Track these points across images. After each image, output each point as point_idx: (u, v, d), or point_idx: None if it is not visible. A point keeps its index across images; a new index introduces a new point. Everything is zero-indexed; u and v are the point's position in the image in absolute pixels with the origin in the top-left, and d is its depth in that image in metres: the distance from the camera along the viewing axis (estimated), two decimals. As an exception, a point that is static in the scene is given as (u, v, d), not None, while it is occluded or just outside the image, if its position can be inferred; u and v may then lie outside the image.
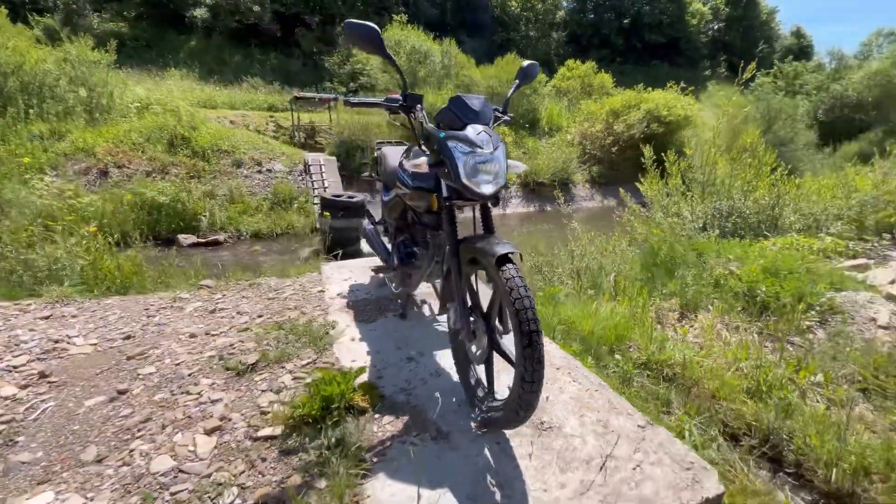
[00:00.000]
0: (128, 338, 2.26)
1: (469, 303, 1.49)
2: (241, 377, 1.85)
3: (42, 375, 1.89)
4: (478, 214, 1.62)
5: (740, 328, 2.89)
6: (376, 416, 1.57)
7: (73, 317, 2.52)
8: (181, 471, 1.34)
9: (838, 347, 2.55)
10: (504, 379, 1.65)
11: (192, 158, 9.69)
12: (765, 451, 1.95)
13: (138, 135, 9.59)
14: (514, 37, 29.77)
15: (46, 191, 6.91)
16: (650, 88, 17.89)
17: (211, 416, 1.59)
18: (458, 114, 1.46)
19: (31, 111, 8.98)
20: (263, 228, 9.10)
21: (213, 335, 2.27)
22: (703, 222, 4.85)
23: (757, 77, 25.93)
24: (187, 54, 19.16)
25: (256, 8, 20.17)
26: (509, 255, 1.28)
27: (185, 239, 8.09)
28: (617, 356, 2.56)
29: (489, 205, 1.55)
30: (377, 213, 2.84)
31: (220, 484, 1.27)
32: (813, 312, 2.91)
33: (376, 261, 3.07)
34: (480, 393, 1.56)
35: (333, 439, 1.38)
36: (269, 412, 1.59)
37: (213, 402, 1.68)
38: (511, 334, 1.34)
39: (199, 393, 1.75)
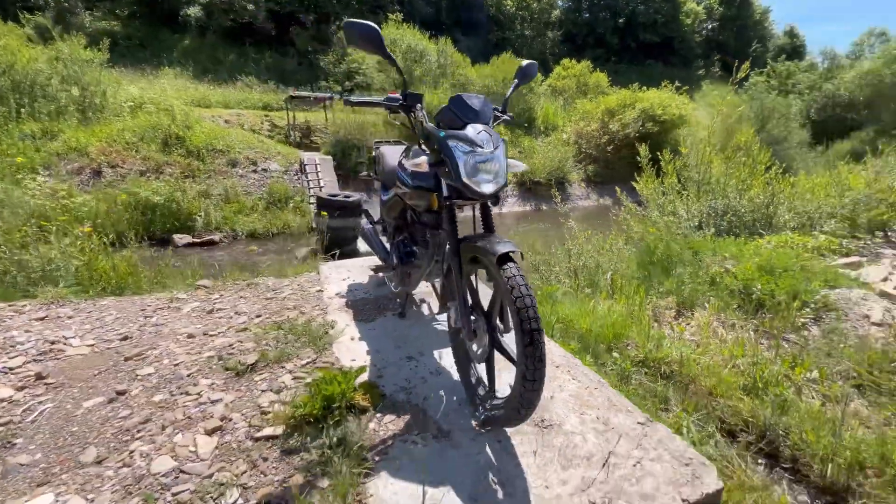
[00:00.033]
0: (125, 339, 2.24)
1: (470, 301, 1.50)
2: (240, 377, 1.84)
3: (39, 377, 1.88)
4: (478, 213, 1.63)
5: (736, 326, 2.91)
6: (377, 415, 1.57)
7: (69, 318, 2.50)
8: (182, 471, 1.34)
9: (833, 344, 2.58)
10: (504, 377, 1.66)
11: (186, 158, 9.62)
12: (761, 447, 1.97)
13: (132, 134, 9.51)
14: (510, 36, 29.80)
15: (39, 191, 6.85)
16: (645, 88, 17.96)
17: (211, 417, 1.58)
18: (458, 113, 1.46)
19: (22, 110, 8.89)
20: (259, 228, 9.06)
21: (211, 335, 2.26)
22: (698, 221, 4.89)
23: (751, 76, 26.13)
24: (181, 53, 19.03)
25: (251, 6, 20.07)
26: (510, 254, 1.29)
27: (181, 239, 8.04)
28: (615, 354, 2.57)
29: (489, 204, 1.55)
30: (374, 213, 2.84)
31: (222, 484, 1.27)
32: (808, 310, 2.94)
33: (374, 260, 3.07)
34: (481, 391, 1.56)
35: (335, 438, 1.38)
36: (269, 412, 1.58)
37: (213, 402, 1.68)
38: (511, 333, 1.34)
39: (198, 393, 1.74)
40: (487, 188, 1.41)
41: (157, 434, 1.52)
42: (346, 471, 1.26)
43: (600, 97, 18.93)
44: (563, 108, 19.60)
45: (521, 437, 1.47)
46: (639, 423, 1.55)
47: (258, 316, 2.49)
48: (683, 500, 1.24)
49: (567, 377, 1.84)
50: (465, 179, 1.39)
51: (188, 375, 1.88)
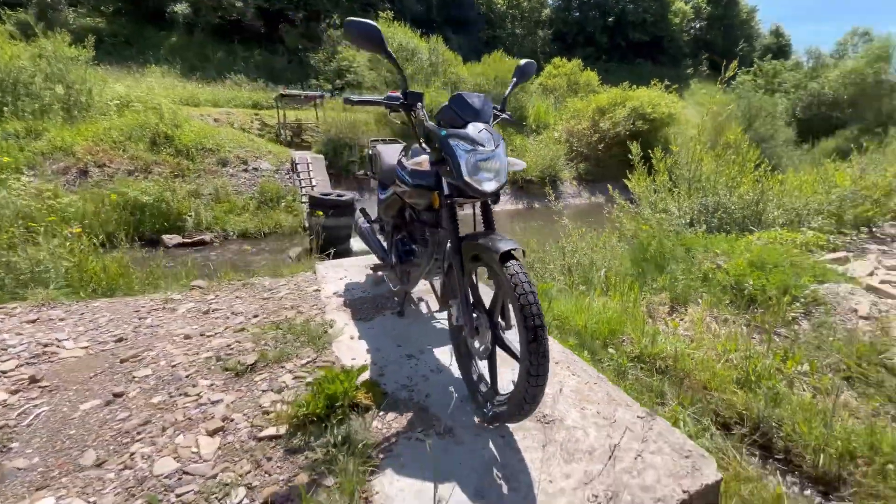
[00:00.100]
0: (120, 340, 2.21)
1: (471, 299, 1.51)
2: (240, 378, 1.83)
3: (33, 380, 1.85)
4: (478, 211, 1.64)
5: (729, 321, 2.97)
6: (380, 413, 1.58)
7: (61, 320, 2.46)
8: (185, 472, 1.33)
9: (822, 338, 2.65)
10: (505, 374, 1.67)
11: (175, 157, 9.49)
12: (755, 438, 2.01)
13: (119, 133, 9.35)
14: (501, 34, 29.86)
15: (24, 191, 6.71)
16: (635, 86, 18.12)
17: (212, 417, 1.57)
18: (458, 112, 1.47)
19: (5, 109, 8.69)
20: (251, 228, 8.97)
21: (208, 336, 2.24)
22: (690, 218, 4.96)
23: (738, 75, 26.48)
24: (168, 51, 18.72)
25: (239, 3, 19.81)
26: (512, 252, 1.30)
27: (171, 239, 7.94)
28: (611, 350, 2.61)
29: (489, 202, 1.56)
30: (369, 212, 2.84)
31: (227, 484, 1.27)
32: (798, 304, 3.01)
33: (371, 259, 3.06)
34: (483, 388, 1.57)
35: (340, 437, 1.38)
36: (271, 412, 1.58)
37: (214, 403, 1.67)
38: (513, 330, 1.36)
39: (198, 394, 1.73)
40: (489, 186, 1.42)
41: (158, 435, 1.51)
42: (352, 469, 1.26)
43: (591, 96, 19.06)
44: (555, 106, 19.69)
45: (523, 432, 1.48)
46: (638, 416, 1.58)
47: (255, 316, 2.47)
48: (684, 492, 1.26)
49: (567, 373, 1.86)
50: (466, 178, 1.40)
51: (187, 376, 1.87)
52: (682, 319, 3.09)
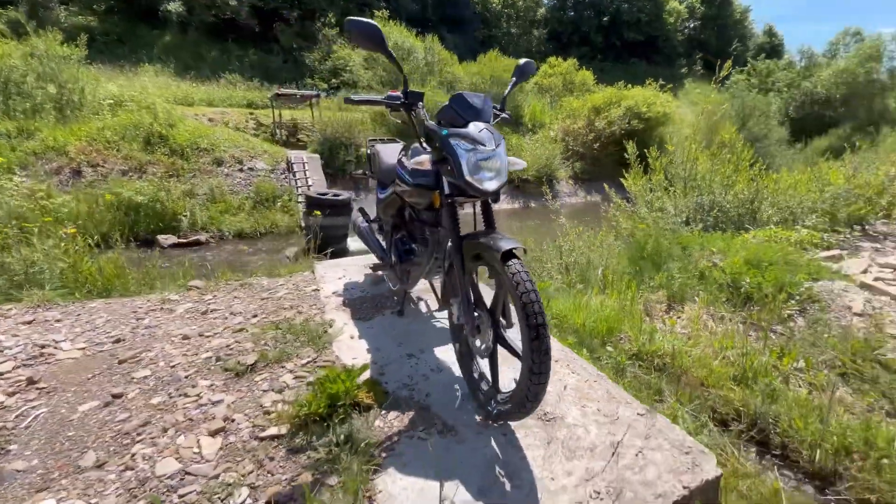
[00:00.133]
0: (118, 341, 2.20)
1: (472, 298, 1.51)
2: (240, 378, 1.83)
3: (30, 382, 1.83)
4: (478, 211, 1.64)
5: (725, 318, 2.99)
6: (382, 412, 1.58)
7: (58, 321, 2.44)
8: (188, 473, 1.32)
9: (818, 334, 2.68)
10: (506, 372, 1.68)
11: (170, 157, 9.42)
12: (752, 434, 2.03)
13: (112, 133, 9.27)
14: (496, 33, 29.85)
15: (16, 191, 6.63)
16: (630, 86, 18.20)
17: (213, 418, 1.57)
18: (459, 112, 1.48)
19: (-4, 108, 8.60)
20: (246, 228, 8.93)
21: (207, 336, 2.23)
22: (686, 216, 4.99)
23: (732, 75, 26.65)
24: (162, 50, 18.55)
25: (233, 2, 19.66)
26: (514, 251, 1.30)
27: (166, 239, 7.88)
28: (609, 348, 2.62)
29: (490, 201, 1.57)
30: (368, 211, 2.83)
31: (230, 484, 1.26)
32: (793, 302, 3.04)
33: (369, 259, 3.06)
34: (485, 387, 1.58)
35: (342, 436, 1.38)
36: (273, 412, 1.58)
37: (214, 403, 1.66)
38: (514, 328, 1.36)
39: (198, 395, 1.72)
40: (490, 185, 1.43)
41: (159, 436, 1.50)
42: (355, 468, 1.26)
43: (586, 95, 19.12)
44: (550, 105, 19.73)
45: (525, 430, 1.49)
46: (638, 413, 1.59)
47: (254, 316, 2.47)
48: (684, 488, 1.27)
49: (567, 371, 1.87)
50: (467, 177, 1.40)
51: (186, 377, 1.86)
52: (679, 317, 3.11)
